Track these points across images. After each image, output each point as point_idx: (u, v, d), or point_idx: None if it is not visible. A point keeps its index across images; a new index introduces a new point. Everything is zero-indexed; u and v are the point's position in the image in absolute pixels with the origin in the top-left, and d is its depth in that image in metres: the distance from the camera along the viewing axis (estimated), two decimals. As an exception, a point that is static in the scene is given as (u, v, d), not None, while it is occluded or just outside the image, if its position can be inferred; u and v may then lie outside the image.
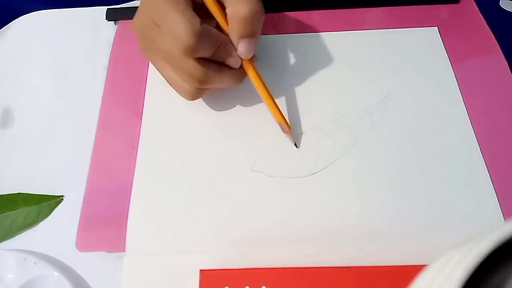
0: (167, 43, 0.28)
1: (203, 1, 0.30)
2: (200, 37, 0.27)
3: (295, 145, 0.33)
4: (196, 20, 0.27)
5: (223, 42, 0.29)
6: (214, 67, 0.30)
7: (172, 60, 0.29)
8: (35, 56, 0.39)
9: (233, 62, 0.31)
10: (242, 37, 0.29)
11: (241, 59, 0.31)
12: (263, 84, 0.32)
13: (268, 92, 0.32)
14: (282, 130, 0.33)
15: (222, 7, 0.30)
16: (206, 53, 0.29)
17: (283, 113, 0.32)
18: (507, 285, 0.14)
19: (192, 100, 0.32)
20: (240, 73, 0.32)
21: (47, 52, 0.39)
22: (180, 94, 0.32)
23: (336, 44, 0.38)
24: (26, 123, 0.36)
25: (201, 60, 0.29)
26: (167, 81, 0.32)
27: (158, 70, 0.32)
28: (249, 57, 0.31)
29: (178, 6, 0.27)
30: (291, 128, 0.33)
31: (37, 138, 0.35)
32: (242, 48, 0.30)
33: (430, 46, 0.37)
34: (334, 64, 0.37)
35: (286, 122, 0.32)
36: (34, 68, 0.38)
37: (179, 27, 0.27)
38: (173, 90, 0.32)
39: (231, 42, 0.30)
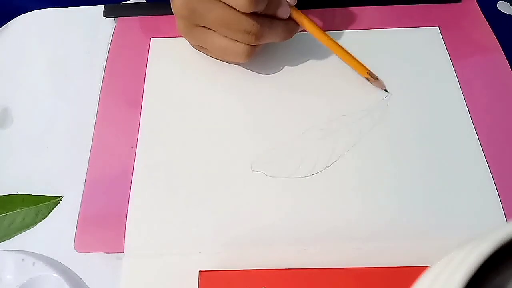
0: (225, 7, 0.30)
1: None
2: None
3: (386, 90, 0.35)
4: None
5: None
6: (267, 21, 0.32)
7: (228, 23, 0.31)
8: (34, 55, 0.39)
9: (283, 12, 0.33)
10: None
11: (290, 9, 0.33)
12: (319, 30, 0.34)
13: (330, 39, 0.35)
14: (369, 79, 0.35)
15: None
16: (262, 5, 0.31)
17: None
18: (509, 286, 0.14)
19: (246, 60, 0.34)
20: (291, 26, 0.34)
21: (46, 51, 0.39)
22: (233, 60, 0.35)
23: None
24: (24, 123, 0.35)
25: (254, 16, 0.31)
26: (216, 54, 0.35)
27: (203, 47, 0.35)
28: (295, 3, 0.33)
29: None
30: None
31: (36, 138, 0.34)
32: None
33: (431, 45, 0.37)
34: (335, 63, 0.36)
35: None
36: (32, 67, 0.38)
37: None
38: (221, 62, 0.36)
39: None
